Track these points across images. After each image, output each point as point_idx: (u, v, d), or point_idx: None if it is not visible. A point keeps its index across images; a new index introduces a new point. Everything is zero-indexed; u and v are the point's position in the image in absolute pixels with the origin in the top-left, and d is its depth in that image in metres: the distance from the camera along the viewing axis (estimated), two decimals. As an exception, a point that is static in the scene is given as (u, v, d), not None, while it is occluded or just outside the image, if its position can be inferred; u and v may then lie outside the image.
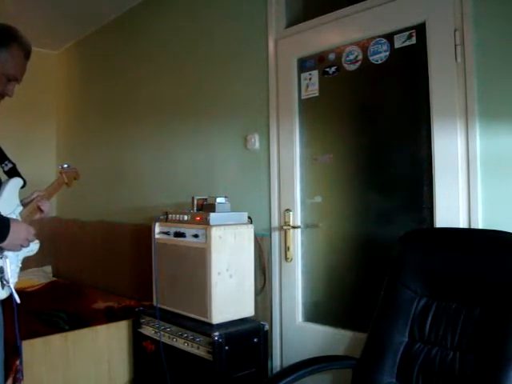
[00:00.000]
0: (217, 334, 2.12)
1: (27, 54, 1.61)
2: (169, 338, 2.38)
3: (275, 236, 2.51)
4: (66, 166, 1.96)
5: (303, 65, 2.44)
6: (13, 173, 1.70)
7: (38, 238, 1.69)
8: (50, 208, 1.79)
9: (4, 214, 1.56)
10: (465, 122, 1.83)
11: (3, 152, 1.72)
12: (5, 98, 1.62)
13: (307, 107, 2.42)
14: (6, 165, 1.70)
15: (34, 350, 2.35)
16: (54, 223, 4.49)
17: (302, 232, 2.43)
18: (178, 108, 3.16)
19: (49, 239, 4.48)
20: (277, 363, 2.48)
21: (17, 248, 1.56)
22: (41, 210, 1.76)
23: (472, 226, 1.81)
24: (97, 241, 3.95)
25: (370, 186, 2.20)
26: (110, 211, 3.80)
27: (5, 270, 1.55)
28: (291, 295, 2.44)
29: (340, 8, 2.26)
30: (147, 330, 2.55)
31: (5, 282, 1.54)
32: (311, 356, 1.94)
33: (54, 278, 4.26)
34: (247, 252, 2.37)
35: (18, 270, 1.65)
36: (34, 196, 1.78)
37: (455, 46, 1.85)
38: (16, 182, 1.67)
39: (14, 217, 1.62)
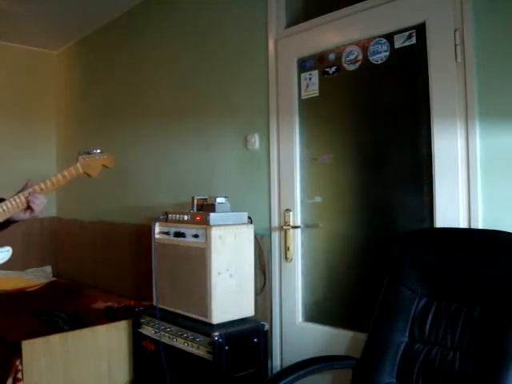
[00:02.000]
0: (217, 334, 2.12)
1: None
2: (169, 338, 2.38)
3: (275, 236, 2.51)
4: (93, 151, 1.58)
5: (303, 65, 2.44)
6: None
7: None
8: (42, 206, 1.46)
9: None
10: (465, 122, 1.83)
11: None
12: None
13: (307, 107, 2.42)
14: None
15: (34, 350, 2.35)
16: (53, 223, 4.49)
17: (302, 232, 2.43)
18: (178, 108, 3.16)
19: (49, 239, 4.49)
20: (277, 363, 2.48)
21: None
22: (30, 209, 1.45)
23: (472, 226, 1.81)
24: (97, 241, 3.94)
25: (369, 185, 2.20)
26: (109, 211, 3.80)
27: None
28: (291, 295, 2.44)
29: (340, 8, 2.26)
30: (147, 330, 2.55)
31: None
32: (311, 356, 1.94)
33: (54, 278, 4.26)
34: (247, 252, 2.37)
35: None
36: (27, 188, 1.46)
37: (455, 45, 1.85)
38: None
39: None
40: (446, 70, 1.88)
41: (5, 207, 1.35)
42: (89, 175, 1.58)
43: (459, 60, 1.84)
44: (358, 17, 2.19)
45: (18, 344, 2.31)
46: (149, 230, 2.58)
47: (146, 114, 3.45)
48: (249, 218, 2.45)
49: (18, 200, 1.40)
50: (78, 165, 1.56)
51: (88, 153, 1.56)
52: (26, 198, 1.41)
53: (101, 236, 3.89)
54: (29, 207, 1.43)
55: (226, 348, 2.13)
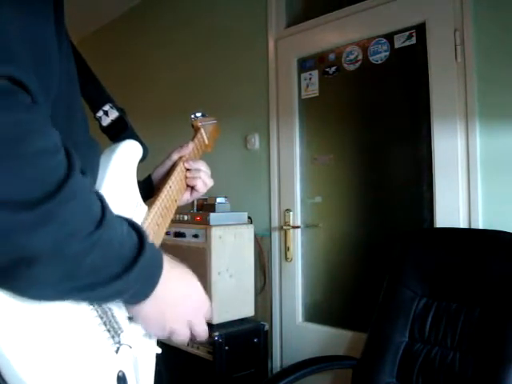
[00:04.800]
0: (217, 334, 2.12)
1: None
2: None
3: (275, 236, 2.51)
4: (199, 114, 1.08)
5: (303, 65, 2.44)
6: (118, 128, 0.82)
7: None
8: (209, 181, 0.96)
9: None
10: (465, 121, 1.83)
11: (101, 91, 0.83)
12: None
13: (307, 107, 2.42)
14: (107, 113, 0.81)
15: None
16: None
17: (302, 232, 2.43)
18: (178, 108, 3.16)
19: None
20: (277, 363, 2.48)
21: (161, 331, 0.73)
22: (192, 189, 0.95)
23: (472, 226, 1.81)
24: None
25: (369, 185, 2.20)
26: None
27: None
28: (291, 295, 2.44)
29: (340, 8, 2.26)
30: (147, 330, 2.55)
31: None
32: (311, 356, 1.94)
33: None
34: (247, 252, 2.37)
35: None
36: (169, 162, 0.95)
37: (455, 46, 1.85)
38: (129, 152, 0.76)
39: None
40: (446, 69, 1.88)
41: (162, 214, 0.82)
42: (208, 148, 1.08)
43: (459, 60, 1.84)
44: (357, 17, 2.19)
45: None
46: (149, 230, 2.58)
47: (145, 114, 3.45)
48: (249, 217, 2.44)
49: (174, 192, 0.87)
50: (203, 132, 1.06)
51: (195, 116, 1.07)
52: (186, 175, 0.92)
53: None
54: (190, 189, 0.95)
55: (226, 348, 2.13)
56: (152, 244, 0.65)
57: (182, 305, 0.70)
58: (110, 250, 0.54)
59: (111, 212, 0.57)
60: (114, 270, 0.55)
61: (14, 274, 0.49)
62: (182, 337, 0.74)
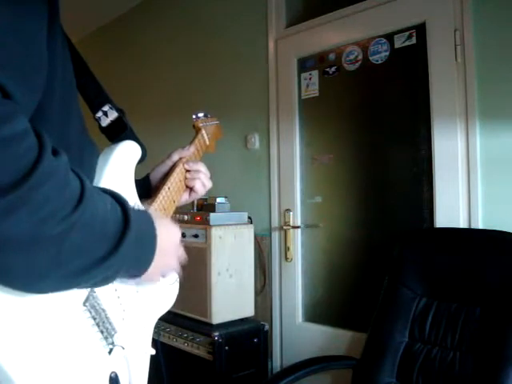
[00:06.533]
0: (217, 334, 2.12)
1: None
2: (169, 338, 2.38)
3: (275, 236, 2.51)
4: (201, 115, 1.10)
5: (303, 65, 2.44)
6: (117, 128, 0.83)
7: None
8: (208, 182, 0.97)
9: None
10: (465, 121, 1.83)
11: (100, 91, 0.84)
12: None
13: (307, 107, 2.42)
14: (106, 114, 0.83)
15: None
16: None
17: (301, 232, 2.43)
18: (178, 108, 3.16)
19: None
20: (277, 363, 2.48)
21: (155, 278, 0.71)
22: (190, 190, 0.96)
23: (472, 226, 1.81)
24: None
25: (369, 186, 2.20)
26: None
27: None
28: (291, 295, 2.44)
29: (340, 8, 2.26)
30: (147, 330, 2.55)
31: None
32: (311, 356, 1.94)
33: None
34: (247, 252, 2.37)
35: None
36: (169, 162, 0.95)
37: (455, 45, 1.85)
38: (128, 153, 0.77)
39: None
40: (446, 70, 1.88)
41: (163, 211, 0.84)
42: (209, 149, 1.11)
43: (459, 60, 1.84)
44: (358, 17, 2.19)
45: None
46: (149, 230, 2.57)
47: (145, 114, 3.45)
48: (249, 218, 2.44)
49: (174, 191, 0.89)
50: (204, 133, 1.08)
51: (197, 116, 1.08)
52: (186, 176, 0.93)
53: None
54: (189, 190, 0.96)
55: (226, 348, 2.13)
56: (138, 212, 0.62)
57: (172, 249, 0.71)
58: (92, 228, 0.53)
59: (92, 189, 0.55)
60: (102, 248, 0.54)
61: None
62: (175, 272, 0.78)
